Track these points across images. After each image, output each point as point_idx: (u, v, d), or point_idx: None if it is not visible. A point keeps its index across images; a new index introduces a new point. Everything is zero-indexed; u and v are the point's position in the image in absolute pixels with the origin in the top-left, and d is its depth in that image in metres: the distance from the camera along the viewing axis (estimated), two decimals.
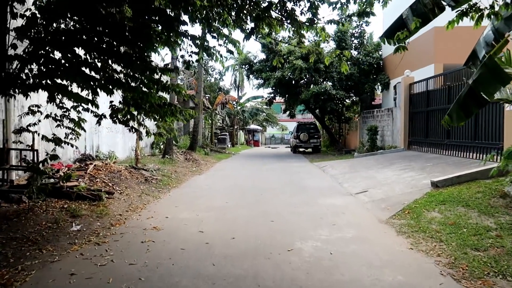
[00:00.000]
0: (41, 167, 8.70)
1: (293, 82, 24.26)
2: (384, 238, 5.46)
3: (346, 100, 24.50)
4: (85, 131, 7.06)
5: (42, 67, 4.44)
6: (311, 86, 22.41)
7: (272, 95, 26.15)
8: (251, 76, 26.77)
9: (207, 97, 28.65)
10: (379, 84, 21.81)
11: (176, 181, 11.04)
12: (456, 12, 4.44)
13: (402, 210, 6.78)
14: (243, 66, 26.31)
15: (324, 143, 28.33)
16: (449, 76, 11.95)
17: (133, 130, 6.37)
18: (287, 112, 27.86)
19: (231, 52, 5.49)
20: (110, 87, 5.36)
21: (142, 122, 7.16)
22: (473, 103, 3.91)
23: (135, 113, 6.34)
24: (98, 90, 5.31)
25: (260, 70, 23.98)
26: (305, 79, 23.22)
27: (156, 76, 6.09)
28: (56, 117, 6.82)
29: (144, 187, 9.26)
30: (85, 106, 6.68)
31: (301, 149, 26.59)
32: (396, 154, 14.45)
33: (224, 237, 5.47)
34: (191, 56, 5.84)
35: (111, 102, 5.92)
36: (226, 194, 9.00)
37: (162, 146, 17.37)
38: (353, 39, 23.50)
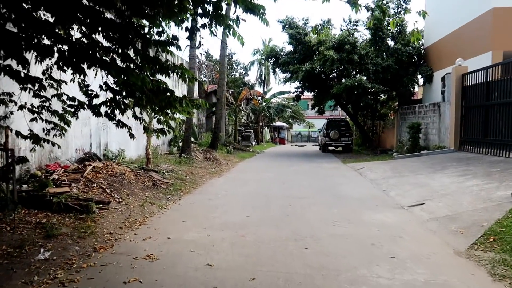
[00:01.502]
0: (35, 170, 7.37)
1: (323, 75, 22.39)
2: (475, 285, 3.71)
3: (381, 95, 22.41)
4: (69, 126, 5.63)
5: None
6: (343, 79, 20.48)
7: (300, 89, 24.32)
8: (277, 69, 25.07)
9: (230, 92, 27.17)
10: (420, 76, 19.66)
11: (191, 185, 9.53)
12: None
13: (484, 236, 4.97)
14: (269, 59, 24.62)
15: (356, 141, 26.29)
16: None
17: (120, 125, 4.83)
18: (315, 109, 26.00)
19: (251, 10, 3.81)
20: (85, 64, 3.84)
21: (140, 115, 5.66)
22: None
23: (126, 102, 4.84)
24: (66, 67, 3.82)
25: (287, 62, 22.23)
26: (337, 72, 21.29)
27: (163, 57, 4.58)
28: (34, 109, 5.44)
29: (150, 194, 7.78)
30: (70, 95, 5.25)
31: (330, 148, 24.71)
32: (446, 156, 12.44)
33: (241, 276, 3.87)
34: (195, 21, 4.23)
35: (87, 86, 4.41)
36: (247, 204, 7.41)
37: (181, 144, 16.01)
38: (389, 27, 21.32)
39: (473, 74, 12.33)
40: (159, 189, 8.31)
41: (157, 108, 4.85)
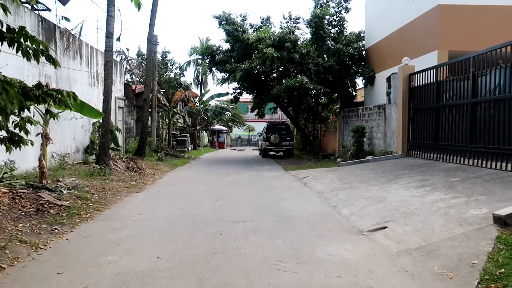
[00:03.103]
0: None
1: (263, 76, 21.03)
2: None
3: (322, 97, 21.52)
4: None
5: None
6: (283, 80, 19.19)
7: (238, 91, 22.74)
8: (213, 69, 23.28)
9: (162, 93, 24.84)
10: (362, 78, 18.98)
11: (96, 206, 7.41)
12: None
13: (483, 284, 3.60)
14: (205, 58, 22.74)
15: (297, 146, 25.27)
16: (474, 61, 9.00)
17: None
18: (255, 111, 24.55)
19: None
20: None
21: None
22: None
23: None
24: None
25: (224, 61, 20.54)
26: (277, 72, 20.00)
27: None
28: None
29: (27, 225, 5.62)
30: None
31: (271, 153, 23.43)
32: (395, 162, 11.48)
33: None
34: None
35: None
36: (164, 236, 5.54)
37: None
38: (330, 28, 20.45)
39: (421, 73, 11.51)
40: (44, 216, 6.15)
41: None
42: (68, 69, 12.94)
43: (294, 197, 8.86)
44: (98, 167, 11.00)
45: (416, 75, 11.83)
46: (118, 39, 14.33)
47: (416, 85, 11.89)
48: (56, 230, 5.66)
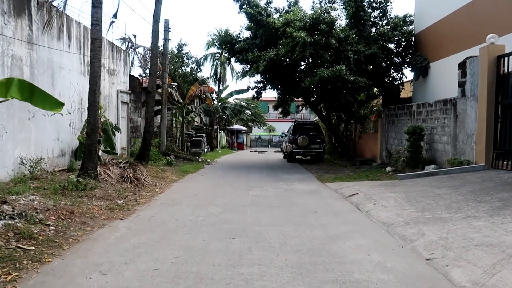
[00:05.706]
0: None
1: (290, 67, 17.96)
2: None
3: (359, 92, 18.28)
4: None
5: None
6: (315, 71, 16.10)
7: (261, 85, 19.73)
8: (233, 60, 20.38)
9: (174, 86, 22.09)
10: (410, 69, 15.75)
11: (39, 252, 4.57)
12: None
13: None
14: (223, 46, 19.83)
15: (327, 149, 22.14)
16: None
17: None
18: (279, 109, 21.51)
19: None
20: None
21: None
22: None
23: None
24: None
25: (245, 49, 17.57)
26: (308, 62, 16.92)
27: None
28: None
29: None
30: None
31: (297, 157, 20.42)
32: (481, 177, 8.29)
33: None
34: None
35: None
36: None
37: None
38: (370, 10, 17.22)
39: None
40: None
41: None
42: (50, 49, 10.26)
43: (351, 232, 5.83)
44: (75, 179, 8.19)
45: (510, 57, 8.62)
46: (115, 16, 11.64)
47: (508, 71, 8.67)
48: None
